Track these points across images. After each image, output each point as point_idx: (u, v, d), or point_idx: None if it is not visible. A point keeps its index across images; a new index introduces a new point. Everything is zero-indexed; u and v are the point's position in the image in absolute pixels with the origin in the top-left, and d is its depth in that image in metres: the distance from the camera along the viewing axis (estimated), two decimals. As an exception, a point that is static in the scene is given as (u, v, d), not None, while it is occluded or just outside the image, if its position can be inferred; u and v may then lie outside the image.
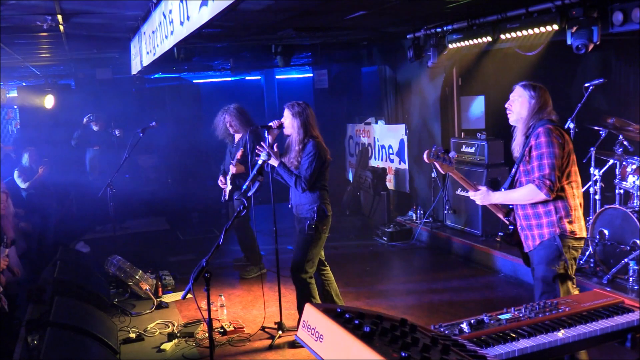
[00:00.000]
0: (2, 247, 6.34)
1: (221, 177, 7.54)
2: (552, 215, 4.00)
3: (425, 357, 2.04)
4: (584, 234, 4.11)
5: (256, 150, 5.50)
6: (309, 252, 5.55)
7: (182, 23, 5.06)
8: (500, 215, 4.36)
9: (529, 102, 4.10)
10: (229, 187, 7.39)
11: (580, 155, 5.31)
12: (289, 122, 5.55)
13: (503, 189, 4.24)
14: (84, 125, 10.49)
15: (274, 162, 5.46)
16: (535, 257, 4.11)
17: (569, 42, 6.08)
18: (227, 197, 7.53)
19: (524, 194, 4.01)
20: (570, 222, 4.01)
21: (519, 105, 4.15)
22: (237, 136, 7.54)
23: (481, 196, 4.19)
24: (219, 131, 7.60)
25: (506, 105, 4.23)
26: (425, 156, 4.13)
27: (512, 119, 4.22)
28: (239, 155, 7.07)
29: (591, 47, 5.94)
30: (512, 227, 4.29)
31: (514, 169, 4.18)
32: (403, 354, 2.02)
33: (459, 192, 8.72)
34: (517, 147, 4.20)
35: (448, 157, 4.15)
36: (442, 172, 4.17)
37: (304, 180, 5.43)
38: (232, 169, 7.25)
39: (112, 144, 10.36)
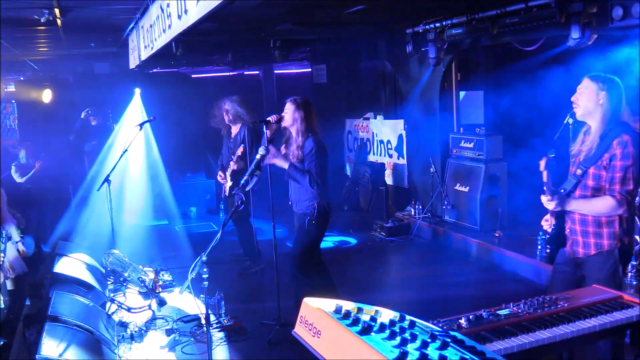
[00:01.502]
0: (13, 243, 6.33)
1: (220, 173, 7.52)
2: (615, 226, 3.77)
3: (424, 353, 2.03)
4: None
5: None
6: (308, 247, 5.54)
7: (179, 17, 5.04)
8: (552, 217, 4.05)
9: (597, 97, 3.79)
10: (229, 182, 7.37)
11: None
12: (290, 115, 5.54)
13: (563, 190, 3.92)
14: (82, 120, 10.45)
15: (283, 164, 5.42)
16: (588, 266, 3.87)
17: (569, 41, 6.06)
18: (227, 193, 7.51)
19: (602, 207, 3.74)
20: (630, 234, 3.82)
21: (586, 99, 3.82)
22: (234, 130, 7.52)
23: (556, 202, 3.82)
24: (217, 119, 7.58)
25: (572, 99, 3.92)
26: (542, 165, 3.78)
27: (579, 113, 3.89)
28: (239, 152, 7.05)
29: (590, 42, 5.93)
30: (554, 227, 4.02)
31: (578, 169, 3.85)
32: (402, 350, 2.01)
33: (457, 187, 8.71)
34: (588, 142, 3.84)
35: (554, 164, 3.82)
36: (544, 180, 3.78)
37: (315, 178, 5.42)
38: (233, 166, 7.23)
39: (110, 139, 10.33)
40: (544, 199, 3.85)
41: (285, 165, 5.43)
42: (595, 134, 3.80)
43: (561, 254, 4.06)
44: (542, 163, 3.72)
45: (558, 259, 4.08)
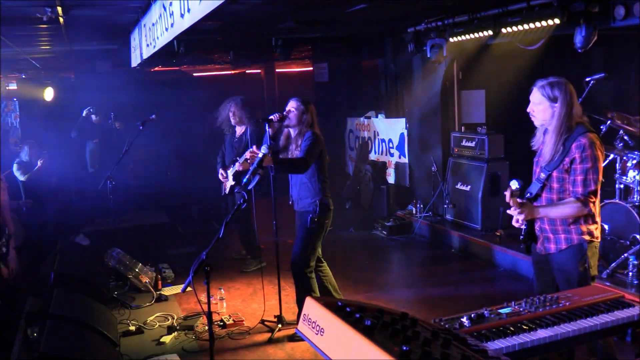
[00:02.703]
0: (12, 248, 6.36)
1: (222, 171, 7.52)
2: (581, 222, 3.94)
3: (427, 351, 2.04)
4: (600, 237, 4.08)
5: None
6: (310, 246, 5.55)
7: (182, 15, 5.05)
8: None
9: (552, 108, 3.94)
10: (231, 181, 7.38)
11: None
12: (296, 114, 5.54)
13: (529, 194, 4.09)
14: (84, 118, 10.45)
15: (270, 162, 5.34)
16: (560, 259, 4.03)
17: (575, 40, 6.06)
18: (227, 191, 7.52)
19: (569, 211, 3.89)
20: (596, 229, 3.99)
21: (541, 112, 3.99)
22: (239, 130, 7.55)
23: (525, 213, 3.92)
24: (222, 119, 7.60)
25: (528, 110, 4.08)
26: (508, 196, 3.85)
27: (537, 123, 4.07)
28: (248, 155, 6.98)
29: (592, 41, 5.93)
30: (525, 227, 4.12)
31: (542, 173, 4.01)
32: (404, 348, 2.01)
33: (458, 186, 8.72)
34: (548, 150, 3.98)
35: (518, 193, 3.89)
36: (510, 205, 3.86)
37: (302, 158, 5.37)
38: (238, 167, 7.21)
39: (111, 137, 10.32)
40: (513, 212, 3.95)
41: (271, 162, 5.34)
42: (554, 138, 3.94)
43: (534, 252, 4.24)
44: (507, 194, 3.85)
45: (534, 258, 4.27)
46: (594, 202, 3.87)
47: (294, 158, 5.51)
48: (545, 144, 4.05)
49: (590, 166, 3.82)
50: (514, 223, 4.21)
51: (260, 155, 5.33)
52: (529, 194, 4.11)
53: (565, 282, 4.01)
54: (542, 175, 4.02)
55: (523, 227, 4.15)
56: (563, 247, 4.00)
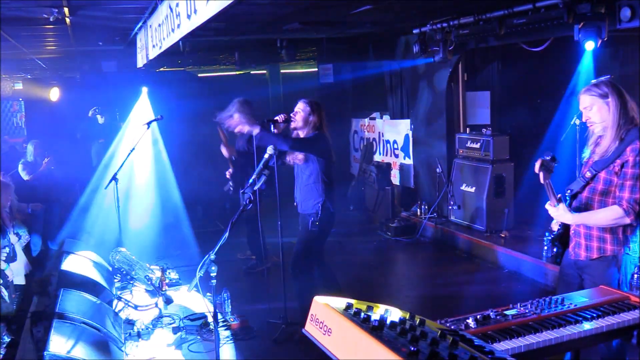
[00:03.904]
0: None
1: (230, 169, 7.58)
2: (619, 232, 3.71)
3: (434, 351, 2.04)
4: None
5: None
6: (311, 247, 5.55)
7: (189, 16, 5.06)
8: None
9: (606, 105, 3.71)
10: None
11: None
12: (304, 116, 5.54)
13: (570, 190, 3.87)
14: (90, 118, 10.47)
15: (255, 130, 5.35)
16: (590, 269, 3.81)
17: (576, 39, 6.06)
18: (232, 188, 7.53)
19: (607, 218, 3.65)
20: (634, 241, 3.72)
21: (597, 113, 3.74)
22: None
23: (559, 214, 3.80)
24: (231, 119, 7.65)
25: (584, 120, 3.84)
26: (537, 167, 3.68)
27: (598, 129, 3.77)
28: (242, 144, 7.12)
29: (599, 43, 5.92)
30: (560, 229, 3.99)
31: (588, 172, 3.79)
32: (412, 348, 2.02)
33: (463, 187, 8.71)
34: (604, 144, 3.74)
35: (552, 167, 3.70)
36: (542, 182, 3.70)
37: (305, 139, 5.44)
38: (223, 151, 7.31)
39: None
40: (548, 207, 3.82)
41: (256, 130, 5.36)
42: (610, 138, 3.71)
43: (566, 256, 4.02)
44: (537, 165, 3.67)
45: (564, 261, 4.04)
46: (637, 212, 3.59)
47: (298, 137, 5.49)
48: (603, 138, 3.77)
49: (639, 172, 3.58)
50: (553, 226, 4.04)
51: (266, 156, 5.34)
52: (569, 191, 3.87)
53: None
54: (588, 174, 3.79)
55: (557, 228, 3.98)
56: (594, 256, 3.78)
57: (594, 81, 3.85)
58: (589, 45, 6.01)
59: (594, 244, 3.77)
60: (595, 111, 3.74)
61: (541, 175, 3.68)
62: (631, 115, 3.69)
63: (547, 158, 3.65)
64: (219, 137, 7.38)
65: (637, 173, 3.58)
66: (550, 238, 4.06)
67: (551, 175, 3.71)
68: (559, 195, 3.81)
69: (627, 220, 3.60)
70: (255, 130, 5.39)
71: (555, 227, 4.04)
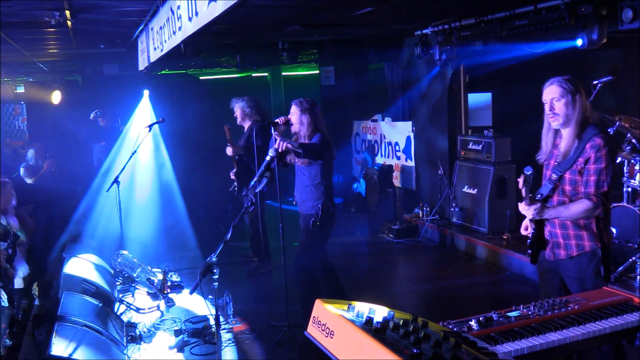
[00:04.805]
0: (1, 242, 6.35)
1: (234, 169, 7.60)
2: (593, 227, 3.84)
3: (437, 354, 2.04)
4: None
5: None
6: (313, 248, 5.54)
7: (190, 19, 5.06)
8: (530, 223, 4.10)
9: (574, 101, 3.82)
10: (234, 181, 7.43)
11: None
12: (297, 118, 5.53)
13: (540, 195, 3.98)
14: (91, 121, 10.46)
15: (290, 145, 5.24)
16: (572, 266, 3.92)
17: (577, 41, 6.06)
18: (237, 188, 7.53)
19: (579, 211, 3.78)
20: (608, 234, 3.90)
21: (563, 106, 3.83)
22: (246, 127, 7.64)
23: (535, 211, 3.89)
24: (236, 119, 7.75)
25: (547, 110, 3.92)
26: (521, 183, 3.78)
27: (558, 122, 3.88)
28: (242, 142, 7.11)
29: (600, 44, 5.92)
30: (533, 231, 4.05)
31: (554, 174, 3.92)
32: (415, 350, 2.01)
33: (465, 189, 8.70)
34: (564, 144, 3.89)
35: (531, 179, 3.80)
36: (522, 195, 3.84)
37: (312, 144, 5.37)
38: (228, 150, 7.31)
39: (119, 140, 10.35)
40: (521, 207, 3.94)
41: (291, 146, 5.25)
42: (570, 136, 3.86)
43: (544, 258, 4.11)
44: (520, 181, 3.77)
45: (543, 264, 4.13)
46: (605, 204, 3.77)
47: (310, 143, 5.48)
48: (562, 139, 3.93)
49: (604, 167, 3.73)
50: (522, 230, 4.18)
51: (267, 158, 5.34)
52: (539, 196, 3.99)
53: (578, 290, 3.86)
54: (554, 177, 3.92)
55: (531, 232, 4.07)
56: (574, 253, 3.90)
57: (563, 77, 3.93)
58: (591, 46, 6.00)
59: (572, 242, 3.90)
60: (562, 104, 3.85)
61: (523, 190, 3.82)
62: (588, 115, 3.86)
63: (528, 173, 3.76)
64: (225, 136, 7.38)
65: (600, 168, 3.73)
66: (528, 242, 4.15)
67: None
68: (531, 195, 3.93)
69: (597, 212, 3.77)
70: (291, 146, 5.30)
71: (524, 232, 4.15)
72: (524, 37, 7.37)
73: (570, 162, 3.83)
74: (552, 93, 3.90)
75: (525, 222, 4.13)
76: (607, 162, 3.74)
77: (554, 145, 4.01)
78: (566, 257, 3.94)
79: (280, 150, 5.22)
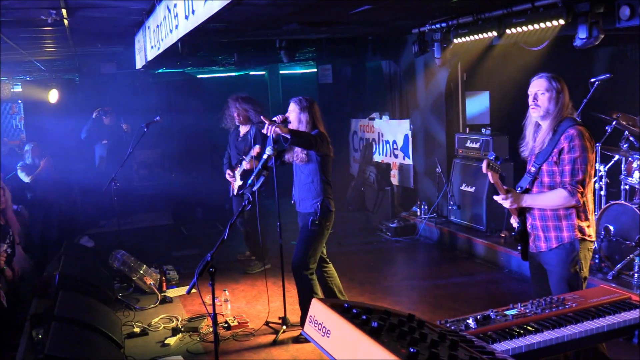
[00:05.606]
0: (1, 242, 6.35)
1: (229, 171, 7.51)
2: (573, 218, 3.91)
3: (434, 353, 2.03)
4: (594, 236, 4.05)
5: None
6: (312, 248, 5.53)
7: (187, 17, 5.04)
8: (514, 215, 4.20)
9: (557, 98, 3.97)
10: (238, 182, 7.35)
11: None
12: (296, 116, 5.52)
13: (520, 188, 4.10)
14: (94, 119, 10.41)
15: (285, 131, 5.18)
16: (551, 259, 4.00)
17: (576, 41, 6.05)
18: (235, 192, 7.49)
19: (554, 199, 3.89)
20: (589, 226, 3.95)
21: (546, 100, 3.97)
22: (243, 129, 7.52)
23: (511, 200, 3.98)
24: (227, 119, 7.56)
25: (531, 101, 4.05)
26: (484, 167, 3.94)
27: (538, 114, 4.00)
28: (255, 151, 6.88)
29: (597, 42, 5.91)
30: (518, 225, 4.16)
31: (532, 167, 4.04)
32: (411, 350, 2.00)
33: (463, 187, 8.70)
34: (540, 137, 4.01)
35: (498, 166, 3.99)
36: (491, 181, 3.99)
37: (301, 132, 5.33)
38: (246, 165, 7.19)
39: (120, 139, 10.32)
40: (497, 198, 4.04)
41: (286, 131, 5.17)
42: (551, 124, 3.98)
43: (529, 251, 4.20)
44: (484, 166, 3.91)
45: (529, 257, 4.22)
46: (582, 193, 3.82)
47: (300, 130, 5.44)
48: (539, 133, 4.06)
49: (577, 155, 3.81)
50: (511, 220, 4.25)
51: (265, 156, 5.32)
52: (519, 188, 4.11)
53: (556, 283, 3.97)
54: (532, 169, 4.04)
55: (516, 225, 4.17)
56: (553, 245, 3.97)
57: (551, 74, 4.10)
58: (587, 44, 6.00)
59: (551, 234, 3.98)
60: (545, 98, 3.99)
61: (490, 175, 3.95)
62: (567, 113, 3.99)
63: (491, 158, 3.95)
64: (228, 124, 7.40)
65: (574, 157, 3.82)
66: (513, 235, 4.24)
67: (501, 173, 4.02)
68: (507, 188, 4.05)
69: (573, 202, 3.83)
70: (286, 130, 5.22)
71: (514, 222, 4.22)
72: (521, 35, 7.36)
73: (547, 155, 3.94)
74: (538, 86, 4.05)
75: (500, 201, 4.18)
76: (580, 151, 3.82)
77: (534, 139, 4.12)
78: (546, 249, 4.02)
79: (268, 134, 5.20)
